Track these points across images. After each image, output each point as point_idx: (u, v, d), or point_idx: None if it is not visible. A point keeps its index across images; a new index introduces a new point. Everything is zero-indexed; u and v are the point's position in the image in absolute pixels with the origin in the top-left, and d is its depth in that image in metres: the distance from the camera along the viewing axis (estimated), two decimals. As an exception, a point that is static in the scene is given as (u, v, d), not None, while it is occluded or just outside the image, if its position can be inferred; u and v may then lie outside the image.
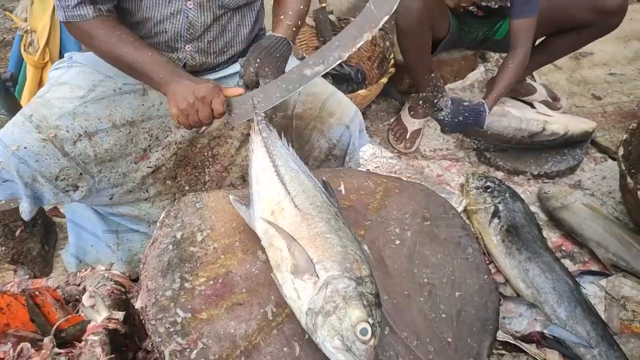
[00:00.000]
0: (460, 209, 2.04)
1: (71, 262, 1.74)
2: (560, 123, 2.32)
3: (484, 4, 1.92)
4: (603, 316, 1.67)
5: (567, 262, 1.88)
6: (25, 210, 1.35)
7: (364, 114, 2.29)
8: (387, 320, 1.03)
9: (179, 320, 0.99)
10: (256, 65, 1.26)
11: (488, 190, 2.06)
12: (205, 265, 1.10)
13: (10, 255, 1.73)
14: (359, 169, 1.65)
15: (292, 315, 0.98)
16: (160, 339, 0.96)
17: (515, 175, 2.30)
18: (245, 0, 1.40)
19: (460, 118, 2.05)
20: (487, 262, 1.51)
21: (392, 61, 2.42)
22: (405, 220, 1.25)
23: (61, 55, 2.00)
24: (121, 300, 1.18)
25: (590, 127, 2.36)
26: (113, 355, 1.05)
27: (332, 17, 2.69)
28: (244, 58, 1.30)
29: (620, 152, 1.96)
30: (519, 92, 2.55)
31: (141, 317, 1.02)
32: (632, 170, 2.03)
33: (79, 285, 1.21)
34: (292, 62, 1.40)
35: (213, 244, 1.15)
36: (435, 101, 2.27)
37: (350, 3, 3.13)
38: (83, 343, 1.07)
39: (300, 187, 1.11)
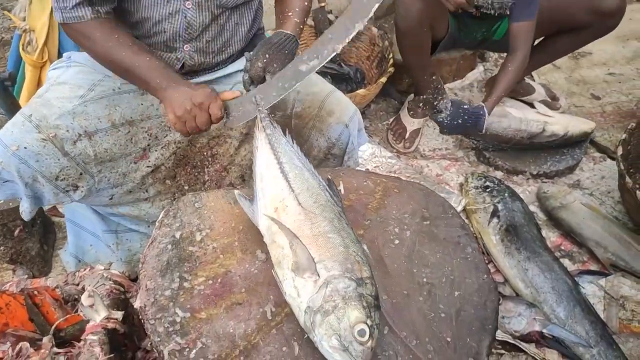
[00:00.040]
0: (459, 208, 2.04)
1: (70, 261, 1.74)
2: (561, 124, 2.32)
3: (483, 11, 1.93)
4: (602, 316, 1.67)
5: (566, 262, 1.88)
6: (26, 211, 1.34)
7: (363, 113, 2.29)
8: (386, 320, 1.03)
9: (178, 319, 0.99)
10: (265, 60, 1.26)
11: (487, 190, 2.06)
12: (204, 264, 1.10)
13: (9, 254, 1.73)
14: (358, 168, 1.66)
15: (291, 314, 0.98)
16: (159, 339, 0.96)
17: (514, 175, 2.30)
18: None
19: (460, 121, 2.05)
20: (487, 261, 1.51)
21: (391, 61, 2.42)
22: (404, 220, 1.25)
23: (60, 55, 2.00)
24: (120, 300, 1.18)
25: (589, 128, 2.36)
26: (112, 355, 1.05)
27: (331, 17, 2.69)
28: (252, 52, 1.29)
29: (619, 151, 1.96)
30: (518, 92, 2.55)
31: (140, 317, 1.02)
32: (631, 170, 2.04)
33: (77, 284, 1.21)
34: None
35: (212, 244, 1.15)
36: (435, 103, 2.28)
37: (350, 2, 3.13)
38: (82, 342, 1.06)
39: (304, 185, 1.11)
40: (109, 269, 1.23)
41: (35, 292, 1.24)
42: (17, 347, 1.18)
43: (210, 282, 1.06)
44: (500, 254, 1.84)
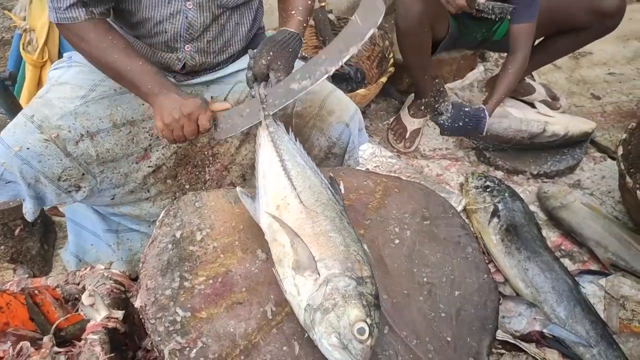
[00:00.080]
0: (459, 208, 2.04)
1: (71, 261, 1.74)
2: (561, 124, 2.32)
3: (484, 16, 1.93)
4: (602, 315, 1.67)
5: (566, 262, 1.88)
6: (29, 212, 1.34)
7: (363, 113, 2.29)
8: (386, 320, 1.03)
9: (178, 319, 0.99)
10: (269, 58, 1.25)
11: (487, 190, 2.06)
12: (204, 264, 1.10)
13: (10, 254, 1.73)
14: (359, 168, 1.66)
15: (292, 314, 0.98)
16: (159, 338, 0.96)
17: (514, 175, 2.30)
18: None
19: (461, 123, 2.05)
20: (487, 261, 1.52)
21: (392, 60, 2.42)
22: (404, 220, 1.25)
23: (60, 55, 2.00)
24: (121, 299, 1.18)
25: (589, 128, 2.36)
26: (112, 354, 1.05)
27: (331, 17, 2.69)
28: (256, 50, 1.29)
29: (620, 151, 1.96)
30: (519, 92, 2.55)
31: (141, 316, 1.02)
32: (631, 170, 2.04)
33: (78, 284, 1.21)
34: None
35: (212, 243, 1.15)
36: (436, 105, 2.28)
37: (350, 2, 3.13)
38: (82, 342, 1.07)
39: (307, 183, 1.12)
40: (109, 268, 1.23)
41: (36, 292, 1.24)
42: (18, 347, 1.18)
43: (211, 281, 1.06)
44: (500, 253, 1.84)
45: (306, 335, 0.95)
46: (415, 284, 1.11)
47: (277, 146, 1.20)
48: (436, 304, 1.08)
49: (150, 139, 1.45)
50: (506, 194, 2.03)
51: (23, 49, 1.99)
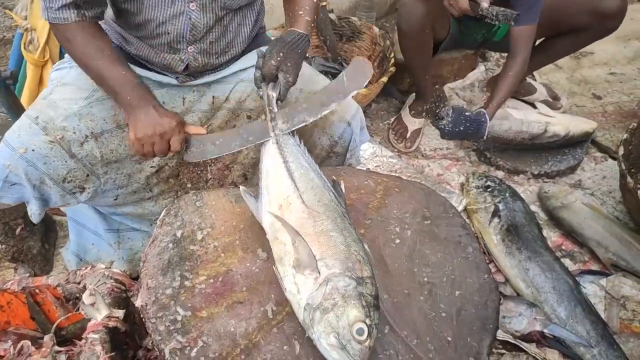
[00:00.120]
0: (460, 208, 2.04)
1: (72, 260, 1.74)
2: (562, 124, 2.32)
3: (487, 21, 1.93)
4: (603, 316, 1.67)
5: (567, 262, 1.88)
6: (35, 213, 1.34)
7: (364, 112, 2.29)
8: (387, 319, 1.03)
9: (179, 318, 0.99)
10: (278, 59, 1.26)
11: (488, 190, 2.06)
12: (205, 263, 1.10)
13: (11, 253, 1.73)
14: (359, 167, 1.66)
15: (292, 313, 0.98)
16: (160, 337, 0.96)
17: (515, 175, 2.30)
18: (246, 0, 1.40)
19: (461, 128, 2.05)
20: (487, 261, 1.52)
21: (393, 60, 2.41)
22: (405, 219, 1.25)
23: (61, 54, 2.00)
24: (121, 299, 1.18)
25: (590, 128, 2.36)
26: (113, 353, 1.05)
27: (332, 16, 2.69)
28: (266, 50, 1.29)
29: (621, 151, 1.96)
30: (519, 92, 2.55)
31: (141, 315, 1.02)
32: (632, 170, 2.04)
33: (79, 283, 1.21)
34: None
35: (213, 243, 1.15)
36: (437, 111, 2.29)
37: (351, 2, 3.13)
38: (83, 341, 1.07)
39: (309, 184, 1.13)
40: (110, 267, 1.23)
41: (37, 291, 1.24)
42: (19, 346, 1.18)
43: (211, 280, 1.07)
44: (501, 253, 1.84)
45: (307, 334, 0.95)
46: (415, 284, 1.11)
47: (281, 148, 1.22)
48: (437, 303, 1.08)
49: None
50: (507, 194, 2.03)
51: (24, 48, 1.99)
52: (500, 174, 2.29)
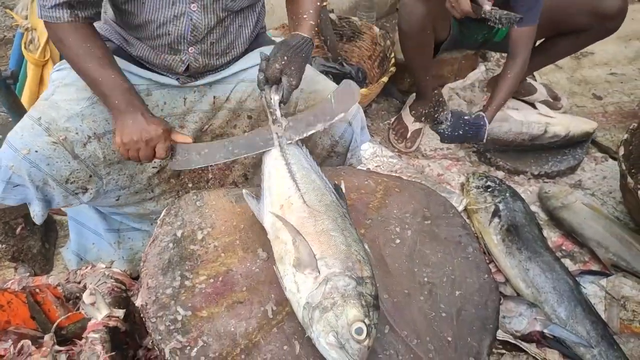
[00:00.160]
0: (460, 208, 2.04)
1: (72, 259, 1.74)
2: (562, 124, 2.32)
3: (490, 24, 1.92)
4: (603, 316, 1.67)
5: (567, 262, 1.88)
6: (38, 215, 1.34)
7: (364, 112, 2.29)
8: (387, 319, 1.03)
9: (179, 318, 0.99)
10: (283, 62, 1.26)
11: (488, 190, 2.06)
12: (205, 263, 1.10)
13: (11, 252, 1.73)
14: (360, 167, 1.66)
15: (292, 313, 0.99)
16: (160, 337, 0.96)
17: (515, 175, 2.30)
18: (247, 2, 1.40)
19: (460, 132, 2.05)
20: (488, 261, 1.52)
21: (393, 60, 2.41)
22: (405, 219, 1.25)
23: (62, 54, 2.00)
24: (122, 298, 1.18)
25: (591, 128, 2.36)
26: (113, 353, 1.05)
27: (332, 16, 2.69)
28: (270, 53, 1.29)
29: (621, 151, 1.96)
30: (520, 92, 2.54)
31: (142, 315, 1.02)
32: (633, 170, 2.04)
33: (79, 282, 1.21)
34: None
35: (213, 242, 1.15)
36: (435, 115, 2.29)
37: (351, 2, 3.13)
38: (83, 340, 1.07)
39: (311, 186, 1.13)
40: (110, 267, 1.23)
41: (37, 290, 1.24)
42: (19, 345, 1.18)
43: (212, 280, 1.07)
44: (501, 253, 1.84)
45: (306, 334, 0.95)
46: (416, 284, 1.11)
47: (283, 150, 1.22)
48: (437, 303, 1.08)
49: None
50: (507, 194, 2.03)
51: (25, 47, 1.99)
52: (500, 174, 2.30)
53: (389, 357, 0.98)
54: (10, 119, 1.98)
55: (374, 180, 1.36)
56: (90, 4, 1.24)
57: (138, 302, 1.04)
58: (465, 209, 2.06)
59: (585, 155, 2.35)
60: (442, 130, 2.10)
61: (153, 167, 1.48)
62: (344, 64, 2.59)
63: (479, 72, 2.82)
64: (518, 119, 2.30)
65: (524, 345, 1.56)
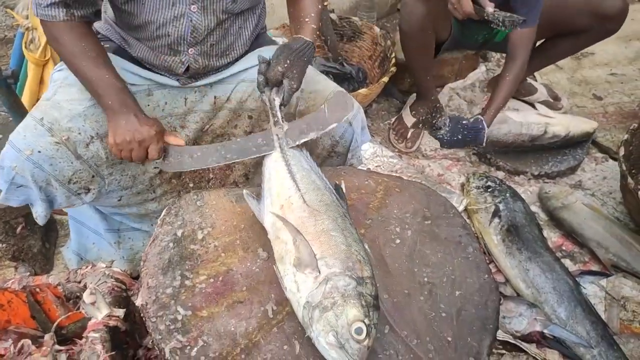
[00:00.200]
0: (460, 208, 2.04)
1: (72, 259, 1.74)
2: (562, 125, 2.32)
3: (493, 27, 1.92)
4: (603, 316, 1.67)
5: (567, 262, 1.88)
6: (40, 215, 1.34)
7: (365, 112, 2.29)
8: (387, 319, 1.03)
9: (179, 317, 0.99)
10: (285, 65, 1.26)
11: (489, 190, 2.06)
12: (205, 263, 1.10)
13: (11, 252, 1.74)
14: (360, 167, 1.66)
15: (293, 313, 0.99)
16: (160, 337, 0.96)
17: (515, 175, 2.30)
18: (248, 5, 1.40)
19: (459, 136, 2.06)
20: (488, 261, 1.51)
21: (393, 60, 2.42)
22: (405, 219, 1.25)
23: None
24: (122, 298, 1.18)
25: (591, 128, 2.36)
26: (113, 352, 1.05)
27: (333, 16, 2.69)
28: (272, 55, 1.29)
29: (621, 152, 1.96)
30: (520, 92, 2.55)
31: (142, 315, 1.02)
32: (633, 171, 2.04)
33: (79, 282, 1.21)
34: None
35: (214, 242, 1.15)
36: (434, 122, 2.30)
37: (352, 2, 3.13)
38: (84, 340, 1.07)
39: (311, 186, 1.14)
40: (110, 266, 1.23)
41: (37, 290, 1.24)
42: (19, 345, 1.18)
43: (212, 280, 1.07)
44: (501, 254, 1.84)
45: (307, 334, 0.95)
46: (416, 284, 1.11)
47: (283, 150, 1.23)
48: (437, 303, 1.08)
49: None
50: (507, 195, 2.03)
51: (25, 47, 1.99)
52: (500, 174, 2.30)
53: (388, 357, 0.98)
54: (10, 119, 1.98)
55: (374, 180, 1.36)
56: (86, 3, 1.24)
57: (138, 302, 1.04)
58: (465, 209, 2.06)
59: (585, 156, 2.35)
60: (441, 136, 2.11)
61: (155, 168, 1.48)
62: (345, 64, 2.59)
63: (480, 72, 2.83)
64: (517, 121, 2.30)
65: (524, 345, 1.56)
